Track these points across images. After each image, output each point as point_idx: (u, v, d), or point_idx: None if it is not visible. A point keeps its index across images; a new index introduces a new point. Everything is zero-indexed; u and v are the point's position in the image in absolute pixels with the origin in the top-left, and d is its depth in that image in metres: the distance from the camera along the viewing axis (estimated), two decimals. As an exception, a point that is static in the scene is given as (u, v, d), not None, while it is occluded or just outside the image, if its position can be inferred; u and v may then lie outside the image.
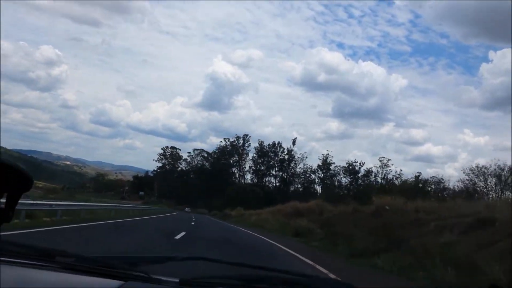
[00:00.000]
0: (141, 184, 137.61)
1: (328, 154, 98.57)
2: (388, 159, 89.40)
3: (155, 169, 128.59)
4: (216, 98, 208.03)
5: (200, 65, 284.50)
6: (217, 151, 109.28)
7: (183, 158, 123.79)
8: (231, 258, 7.23)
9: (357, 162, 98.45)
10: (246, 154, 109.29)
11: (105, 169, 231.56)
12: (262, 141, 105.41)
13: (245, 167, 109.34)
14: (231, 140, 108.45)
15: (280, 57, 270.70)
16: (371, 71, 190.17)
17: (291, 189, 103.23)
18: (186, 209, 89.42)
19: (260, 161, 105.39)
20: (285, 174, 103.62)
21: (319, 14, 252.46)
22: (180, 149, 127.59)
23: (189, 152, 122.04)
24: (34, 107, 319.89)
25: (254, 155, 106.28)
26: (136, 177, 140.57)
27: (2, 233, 1.77)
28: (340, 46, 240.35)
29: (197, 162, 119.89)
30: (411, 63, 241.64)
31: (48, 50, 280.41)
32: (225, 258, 1.84)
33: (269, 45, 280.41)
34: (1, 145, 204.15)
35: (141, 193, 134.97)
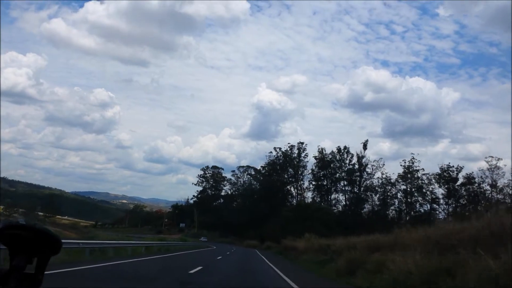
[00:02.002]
0: (182, 215, 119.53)
1: (413, 158, 74.90)
2: (498, 158, 64.72)
3: (195, 194, 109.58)
4: (263, 127, 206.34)
5: (245, 95, 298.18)
6: (266, 166, 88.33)
7: (227, 178, 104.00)
8: None
9: (452, 166, 74.07)
10: (304, 167, 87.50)
11: (160, 205, 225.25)
12: (322, 148, 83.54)
13: (303, 183, 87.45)
14: (283, 149, 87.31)
15: (324, 80, 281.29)
16: (420, 87, 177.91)
17: (365, 207, 79.91)
18: (202, 239, 75.72)
19: (322, 173, 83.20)
20: (357, 188, 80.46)
21: (360, 34, 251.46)
22: (223, 169, 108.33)
23: (233, 171, 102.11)
24: (91, 149, 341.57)
25: (314, 167, 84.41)
26: (175, 207, 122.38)
27: None
28: (385, 64, 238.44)
29: (244, 182, 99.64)
30: (460, 75, 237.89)
31: (101, 92, 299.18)
32: None
33: (312, 70, 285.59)
34: (61, 189, 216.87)
35: (182, 224, 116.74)
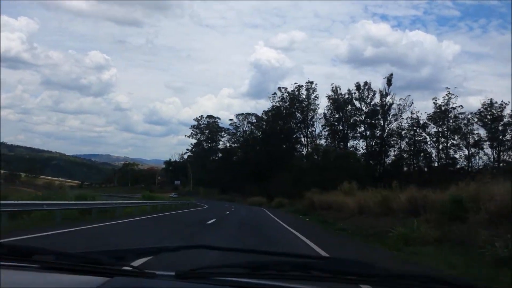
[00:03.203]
0: (176, 172, 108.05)
1: (449, 93, 62.07)
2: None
3: (189, 148, 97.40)
4: (262, 86, 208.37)
5: (242, 54, 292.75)
6: (270, 111, 75.29)
7: (225, 129, 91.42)
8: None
9: (496, 102, 61.57)
10: (314, 111, 74.52)
11: (162, 166, 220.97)
12: (337, 87, 70.12)
13: (314, 130, 74.78)
14: (289, 90, 73.84)
15: (322, 36, 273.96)
16: (420, 40, 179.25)
17: (390, 154, 67.97)
18: (173, 195, 67.52)
19: (336, 117, 70.47)
20: (380, 133, 68.04)
21: None
22: (219, 118, 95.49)
23: (231, 120, 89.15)
24: (89, 113, 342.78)
25: (326, 110, 71.48)
26: (169, 163, 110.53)
27: None
28: (384, 18, 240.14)
29: (244, 131, 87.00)
30: (460, 27, 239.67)
31: (97, 55, 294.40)
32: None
33: (310, 26, 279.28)
34: (62, 152, 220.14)
35: (177, 182, 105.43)
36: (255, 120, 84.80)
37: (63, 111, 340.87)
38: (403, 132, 66.94)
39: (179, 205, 37.32)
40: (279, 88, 74.44)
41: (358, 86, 68.89)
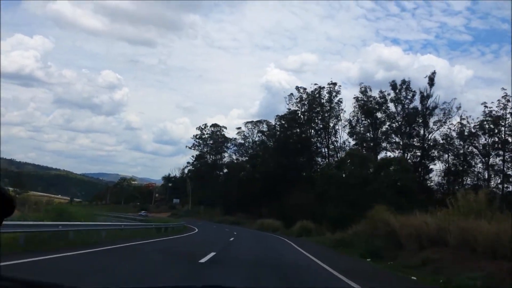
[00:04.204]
0: (176, 188, 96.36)
1: (506, 95, 50.38)
2: None
3: (190, 161, 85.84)
4: (272, 107, 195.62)
5: (253, 75, 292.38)
6: (286, 115, 63.54)
7: (232, 139, 79.87)
8: None
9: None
10: (337, 117, 62.84)
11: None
12: (366, 86, 58.71)
13: (337, 140, 62.92)
14: (308, 90, 62.27)
15: (333, 59, 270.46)
16: (432, 64, 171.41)
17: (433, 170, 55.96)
18: (142, 213, 63.94)
19: (365, 123, 58.86)
20: (421, 142, 56.14)
21: (370, 11, 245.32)
22: (225, 127, 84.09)
23: (239, 128, 77.61)
24: (100, 132, 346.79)
25: (352, 117, 59.98)
26: (167, 179, 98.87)
27: None
28: (395, 42, 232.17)
29: (254, 142, 75.34)
30: (472, 52, 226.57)
31: (109, 74, 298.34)
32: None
33: (321, 49, 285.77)
34: (70, 170, 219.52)
35: (176, 200, 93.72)
36: (266, 129, 73.17)
37: (74, 129, 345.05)
38: (450, 141, 54.77)
39: (152, 230, 25.54)
40: (297, 88, 62.98)
41: (394, 86, 57.10)
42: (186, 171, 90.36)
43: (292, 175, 58.28)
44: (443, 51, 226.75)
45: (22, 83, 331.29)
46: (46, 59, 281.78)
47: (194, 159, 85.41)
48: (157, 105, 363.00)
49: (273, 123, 70.77)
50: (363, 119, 59.88)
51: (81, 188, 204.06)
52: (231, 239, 22.00)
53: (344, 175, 36.36)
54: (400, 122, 57.14)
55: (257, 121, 75.89)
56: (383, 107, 57.83)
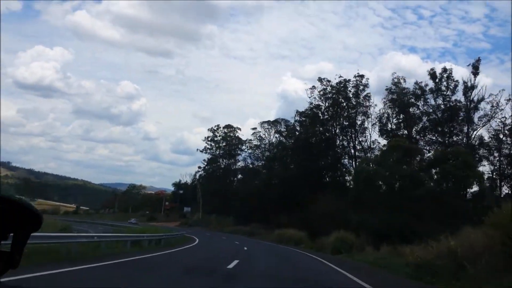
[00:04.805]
0: (187, 196, 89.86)
1: None
2: None
3: (201, 166, 79.25)
4: (289, 116, 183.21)
5: (269, 85, 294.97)
6: (308, 110, 56.40)
7: (247, 140, 73.10)
8: None
9: None
10: (365, 114, 55.69)
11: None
12: (399, 77, 51.53)
13: (364, 139, 55.70)
14: (332, 82, 55.15)
15: (350, 68, 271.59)
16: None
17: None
18: (133, 220, 65.05)
19: (399, 119, 51.65)
20: (465, 141, 48.49)
21: (387, 20, 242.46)
22: (240, 129, 77.44)
23: (254, 129, 70.72)
24: (119, 142, 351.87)
25: (382, 113, 52.94)
26: (178, 185, 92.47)
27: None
28: (412, 50, 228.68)
29: (270, 143, 68.38)
30: (491, 60, 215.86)
31: (127, 85, 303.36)
32: None
33: (337, 58, 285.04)
34: (89, 180, 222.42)
35: (187, 209, 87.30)
36: (284, 129, 66.04)
37: (93, 139, 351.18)
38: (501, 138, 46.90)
39: (141, 241, 19.09)
40: (320, 79, 55.65)
41: (433, 75, 49.51)
42: (197, 176, 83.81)
43: (316, 179, 51.25)
44: (461, 59, 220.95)
45: (42, 94, 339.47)
46: (65, 70, 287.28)
47: (205, 163, 78.84)
48: (175, 115, 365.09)
49: (292, 122, 63.71)
50: (395, 115, 52.59)
51: (96, 197, 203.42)
52: (233, 263, 14.35)
53: (387, 173, 29.09)
54: (439, 118, 49.47)
55: (274, 121, 68.96)
56: (421, 100, 50.29)
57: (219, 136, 77.68)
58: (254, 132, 70.44)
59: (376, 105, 54.97)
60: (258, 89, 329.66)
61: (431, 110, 51.07)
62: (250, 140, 72.15)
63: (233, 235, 48.94)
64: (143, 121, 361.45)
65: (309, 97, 55.71)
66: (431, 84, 50.21)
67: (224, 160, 78.40)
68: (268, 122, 69.26)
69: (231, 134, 77.09)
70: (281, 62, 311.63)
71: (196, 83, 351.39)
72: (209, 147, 77.20)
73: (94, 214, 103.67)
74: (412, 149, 33.01)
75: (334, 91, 55.35)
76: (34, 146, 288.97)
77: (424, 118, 51.22)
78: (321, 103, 55.56)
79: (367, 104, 54.71)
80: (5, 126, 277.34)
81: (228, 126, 78.02)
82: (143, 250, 17.94)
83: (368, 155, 54.53)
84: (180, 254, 18.33)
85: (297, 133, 60.28)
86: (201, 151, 78.23)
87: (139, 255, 15.52)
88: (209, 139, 77.45)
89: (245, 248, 23.39)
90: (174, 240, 26.44)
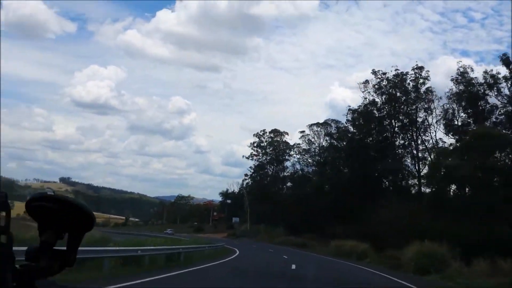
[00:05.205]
0: (235, 205, 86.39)
1: None
2: None
3: (248, 173, 75.49)
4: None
5: (316, 95, 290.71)
6: (360, 107, 51.28)
7: (295, 145, 68.65)
8: None
9: None
10: (427, 110, 49.83)
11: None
12: (465, 66, 45.48)
13: (427, 137, 49.78)
14: (389, 75, 49.74)
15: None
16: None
17: None
18: (168, 231, 66.22)
19: (468, 112, 45.39)
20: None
21: (436, 24, 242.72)
22: (287, 133, 73.16)
23: (303, 132, 66.06)
24: (171, 156, 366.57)
25: (450, 106, 47.12)
26: (225, 194, 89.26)
27: None
28: (464, 54, 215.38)
29: (320, 146, 63.47)
30: None
31: (178, 100, 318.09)
32: None
33: (386, 64, 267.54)
34: (141, 193, 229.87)
35: (235, 219, 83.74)
36: (335, 130, 60.95)
37: (148, 154, 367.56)
38: None
39: (173, 255, 15.45)
40: (374, 72, 50.24)
41: (505, 60, 42.89)
42: (244, 185, 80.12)
43: (373, 184, 45.87)
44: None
45: (99, 112, 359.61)
46: (119, 88, 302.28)
47: (252, 170, 75.08)
48: (224, 128, 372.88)
49: (343, 123, 58.50)
50: (461, 109, 46.25)
51: (148, 209, 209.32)
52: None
53: (474, 168, 23.63)
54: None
55: (324, 123, 63.95)
56: (494, 90, 43.76)
57: (266, 141, 73.90)
58: (303, 136, 65.86)
59: (441, 97, 48.72)
60: (305, 99, 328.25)
61: (506, 101, 44.41)
62: (299, 144, 67.65)
63: (282, 247, 44.51)
64: (194, 135, 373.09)
65: (363, 92, 50.50)
66: (503, 71, 43.70)
67: (272, 167, 74.37)
68: (317, 124, 64.43)
69: (278, 139, 73.09)
70: (328, 71, 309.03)
71: (244, 96, 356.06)
72: (255, 153, 73.60)
73: (143, 225, 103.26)
74: (507, 137, 27.08)
75: (390, 85, 49.83)
76: (92, 162, 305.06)
77: (497, 111, 44.62)
78: (376, 98, 50.18)
79: (430, 97, 48.62)
80: (65, 144, 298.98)
81: (274, 131, 73.99)
82: (170, 266, 14.05)
83: (432, 156, 48.42)
84: (212, 269, 14.21)
85: (350, 134, 55.01)
86: (247, 157, 74.73)
87: (155, 274, 11.58)
88: (255, 145, 73.87)
89: (293, 267, 18.67)
90: (201, 254, 22.23)
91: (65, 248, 1.14)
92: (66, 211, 1.09)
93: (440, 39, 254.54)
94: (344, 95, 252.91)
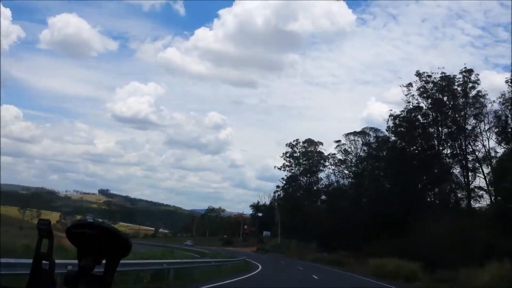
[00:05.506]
0: (266, 218, 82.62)
1: None
2: None
3: (279, 185, 71.80)
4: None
5: (353, 110, 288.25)
6: (404, 114, 46.84)
7: (330, 155, 64.67)
8: None
9: None
10: (478, 116, 44.86)
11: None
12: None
13: (476, 147, 44.78)
14: (434, 78, 45.10)
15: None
16: None
17: None
18: (188, 243, 67.46)
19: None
20: None
21: (477, 38, 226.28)
22: (322, 143, 69.22)
23: (338, 141, 61.86)
24: (207, 170, 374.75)
25: (498, 114, 42.20)
26: (256, 207, 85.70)
27: None
28: (507, 69, 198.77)
29: (358, 156, 59.15)
30: None
31: (215, 116, 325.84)
32: None
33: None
34: (180, 206, 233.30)
35: (266, 233, 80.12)
36: (372, 139, 56.55)
37: (184, 168, 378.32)
38: None
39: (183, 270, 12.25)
40: (418, 74, 45.76)
41: None
42: (276, 196, 76.31)
43: (417, 196, 41.29)
44: None
45: (138, 127, 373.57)
46: (158, 104, 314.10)
47: (284, 182, 71.25)
48: (259, 143, 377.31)
49: (384, 130, 54.02)
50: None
51: (181, 221, 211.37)
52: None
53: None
54: None
55: (361, 131, 59.55)
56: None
57: (299, 151, 70.12)
58: (338, 145, 61.61)
59: (494, 101, 43.72)
60: (341, 114, 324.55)
61: None
62: (334, 154, 63.44)
63: (314, 265, 40.45)
64: (229, 150, 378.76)
65: (406, 95, 46.07)
66: None
67: (305, 178, 70.37)
68: (354, 133, 60.14)
69: (312, 149, 69.17)
70: (365, 87, 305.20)
71: (279, 111, 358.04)
72: (288, 163, 69.91)
73: (171, 237, 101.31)
74: None
75: (436, 88, 45.30)
76: (131, 175, 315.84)
77: None
78: (421, 103, 45.66)
79: (483, 101, 43.70)
80: (105, 157, 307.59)
81: (308, 141, 70.16)
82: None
83: (483, 168, 43.30)
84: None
85: (390, 143, 50.50)
86: (279, 168, 71.11)
87: None
88: (288, 155, 70.23)
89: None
90: (206, 270, 18.66)
91: (102, 272, 1.19)
92: (105, 237, 1.15)
93: (481, 53, 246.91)
94: (381, 110, 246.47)
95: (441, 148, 46.09)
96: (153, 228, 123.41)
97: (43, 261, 1.11)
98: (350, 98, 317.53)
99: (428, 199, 44.03)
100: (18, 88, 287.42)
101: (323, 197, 69.65)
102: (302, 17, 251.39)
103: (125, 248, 1.20)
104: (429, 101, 45.38)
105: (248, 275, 20.68)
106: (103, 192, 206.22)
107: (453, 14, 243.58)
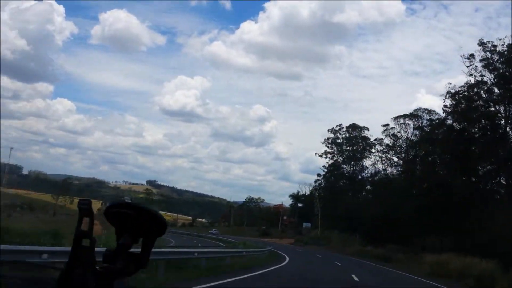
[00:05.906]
0: (306, 209, 78.26)
1: None
2: None
3: (320, 173, 67.09)
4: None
5: (401, 103, 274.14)
6: (465, 93, 40.81)
7: (376, 140, 59.27)
8: None
9: None
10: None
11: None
12: None
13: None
14: (500, 48, 38.69)
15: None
16: None
17: None
18: (214, 231, 68.62)
19: None
20: None
21: None
22: (367, 129, 63.87)
23: (386, 125, 56.22)
24: (251, 162, 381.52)
25: None
26: (296, 197, 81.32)
27: None
28: None
29: (408, 141, 53.48)
30: None
31: (259, 108, 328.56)
32: None
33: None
34: (224, 198, 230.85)
35: (306, 224, 75.78)
36: (425, 122, 50.53)
37: (229, 160, 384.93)
38: None
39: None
40: (482, 44, 39.33)
41: None
42: (317, 185, 71.45)
43: (479, 186, 35.50)
44: None
45: (185, 119, 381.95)
46: (204, 97, 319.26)
47: (325, 170, 66.32)
48: (303, 135, 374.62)
49: (440, 111, 47.86)
50: None
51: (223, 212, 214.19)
52: None
53: None
54: None
55: (412, 114, 53.49)
56: None
57: (342, 137, 64.95)
58: (386, 129, 55.91)
59: None
60: (389, 107, 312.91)
61: None
62: (381, 139, 57.79)
63: (357, 260, 35.80)
64: (273, 142, 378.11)
65: (467, 67, 39.90)
66: None
67: (348, 166, 65.17)
68: (405, 116, 54.18)
69: (356, 135, 63.80)
70: (415, 78, 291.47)
71: (324, 104, 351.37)
72: (330, 150, 64.87)
73: (209, 227, 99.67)
74: None
75: (502, 60, 38.88)
76: (178, 167, 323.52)
77: None
78: (485, 77, 39.34)
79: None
80: (153, 149, 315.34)
81: (352, 126, 64.79)
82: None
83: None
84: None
85: (447, 126, 44.47)
86: (320, 155, 66.22)
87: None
88: (330, 141, 65.16)
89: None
90: (261, 257, 14.69)
91: (139, 250, 1.25)
92: (142, 217, 1.20)
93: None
94: (431, 103, 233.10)
95: (508, 129, 39.75)
96: (191, 218, 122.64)
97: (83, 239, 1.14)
98: (399, 91, 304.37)
99: (493, 188, 38.08)
100: (71, 82, 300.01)
101: (368, 187, 64.39)
102: (349, 8, 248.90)
103: (161, 228, 1.24)
104: (495, 73, 39.03)
105: (266, 270, 16.51)
106: (150, 183, 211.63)
107: (509, 3, 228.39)
